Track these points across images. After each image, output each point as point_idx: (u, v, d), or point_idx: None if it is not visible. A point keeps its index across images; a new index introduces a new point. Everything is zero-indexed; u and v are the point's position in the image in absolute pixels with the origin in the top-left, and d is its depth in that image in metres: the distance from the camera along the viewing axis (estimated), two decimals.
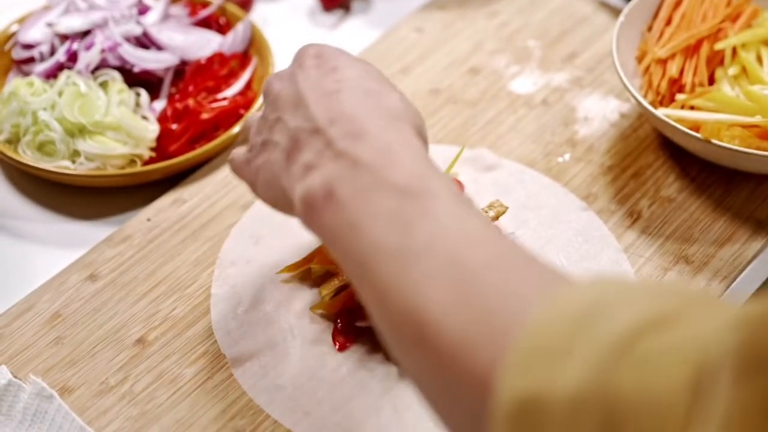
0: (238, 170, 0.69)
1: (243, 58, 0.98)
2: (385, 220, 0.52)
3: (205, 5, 1.02)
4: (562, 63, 0.98)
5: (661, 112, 0.82)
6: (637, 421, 0.39)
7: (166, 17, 0.99)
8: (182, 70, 0.96)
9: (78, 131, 0.87)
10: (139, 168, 0.87)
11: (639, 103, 0.83)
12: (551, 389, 0.41)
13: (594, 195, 0.85)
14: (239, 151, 0.69)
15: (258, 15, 1.07)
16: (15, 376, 0.73)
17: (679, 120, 0.81)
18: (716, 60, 0.88)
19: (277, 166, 0.62)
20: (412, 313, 0.49)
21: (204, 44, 0.98)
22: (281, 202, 0.63)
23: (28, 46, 0.96)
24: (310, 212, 0.57)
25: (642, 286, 0.47)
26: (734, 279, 0.79)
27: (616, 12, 1.02)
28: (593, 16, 1.03)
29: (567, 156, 0.89)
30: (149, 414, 0.71)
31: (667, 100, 0.86)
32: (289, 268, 0.79)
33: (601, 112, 0.93)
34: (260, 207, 0.84)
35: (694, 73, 0.86)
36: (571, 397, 0.41)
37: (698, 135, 0.80)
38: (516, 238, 0.79)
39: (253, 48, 0.99)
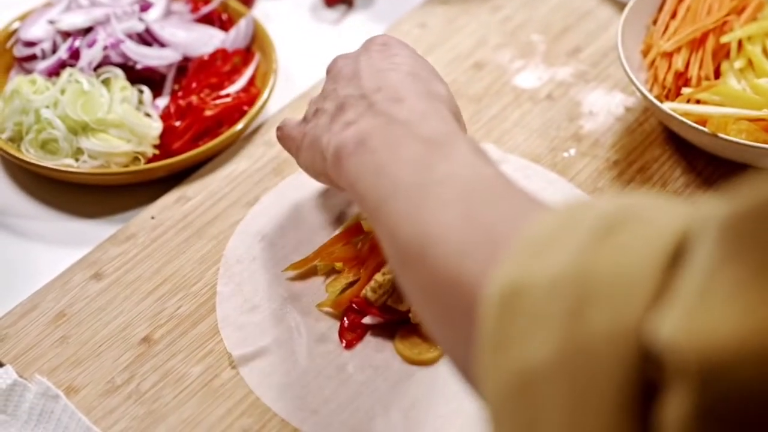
0: (285, 139, 0.76)
1: (246, 55, 0.98)
2: (408, 163, 0.57)
3: (207, 1, 1.02)
4: (567, 57, 0.98)
5: (667, 106, 0.81)
6: (605, 295, 0.39)
7: (168, 13, 0.99)
8: (185, 67, 0.96)
9: (81, 129, 0.86)
10: (142, 166, 0.87)
11: (645, 97, 0.83)
12: (533, 274, 0.43)
13: (600, 190, 0.85)
14: (289, 120, 0.76)
15: (260, 11, 1.07)
16: (20, 376, 0.73)
17: (686, 114, 0.81)
18: (722, 53, 0.87)
19: (320, 128, 0.68)
20: (419, 234, 0.53)
21: (206, 41, 0.97)
22: (318, 165, 0.68)
23: (30, 44, 0.95)
24: (338, 159, 0.62)
25: (619, 195, 0.48)
26: None
27: (620, 5, 1.01)
28: (597, 10, 1.03)
29: (572, 151, 0.89)
30: (156, 413, 0.71)
31: (672, 93, 0.86)
32: (295, 266, 0.79)
33: (606, 107, 0.93)
34: (265, 204, 0.84)
35: (700, 67, 0.86)
36: (550, 279, 0.42)
37: (705, 129, 0.79)
38: None
39: (256, 44, 0.98)
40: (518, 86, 0.95)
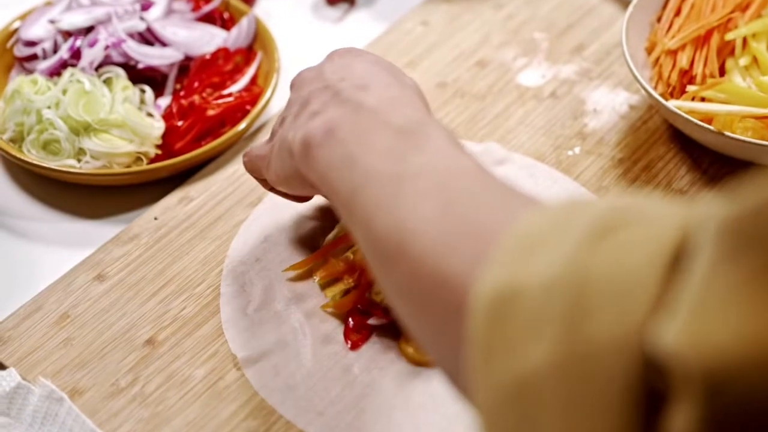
0: (253, 161, 0.74)
1: (248, 54, 0.97)
2: (380, 152, 0.55)
3: (208, 0, 1.01)
4: (570, 55, 0.98)
5: (672, 104, 0.81)
6: (605, 300, 0.38)
7: (169, 12, 0.98)
8: (186, 66, 0.95)
9: (83, 129, 0.86)
10: (145, 166, 0.86)
11: (650, 95, 0.82)
12: (525, 277, 0.41)
13: (605, 188, 0.85)
14: (254, 145, 0.74)
15: (261, 9, 1.06)
16: (24, 379, 0.72)
17: (691, 112, 0.81)
18: (727, 50, 0.87)
19: (286, 129, 0.65)
20: (395, 227, 0.50)
21: (208, 40, 0.97)
22: (287, 165, 0.65)
23: (31, 44, 0.95)
24: (306, 150, 0.60)
25: (614, 195, 0.46)
26: None
27: (623, 3, 1.01)
28: (600, 8, 1.02)
29: (577, 149, 0.88)
30: (160, 416, 0.71)
31: (677, 91, 0.85)
32: (296, 266, 0.78)
33: (610, 104, 0.92)
34: (268, 204, 0.84)
35: (705, 64, 0.85)
36: (544, 283, 0.40)
37: (711, 127, 0.79)
38: None
39: (258, 43, 0.98)
40: (522, 84, 0.95)
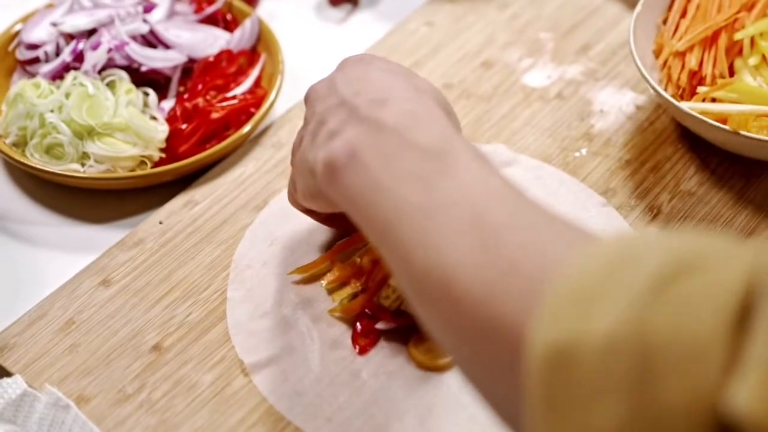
0: (290, 195, 0.74)
1: (251, 55, 0.96)
2: (408, 180, 0.53)
3: (211, 2, 1.00)
4: (576, 55, 0.97)
5: (686, 106, 0.80)
6: (674, 362, 0.38)
7: (171, 14, 0.98)
8: (190, 69, 0.95)
9: (86, 133, 0.85)
10: (149, 170, 0.86)
11: (659, 95, 0.82)
12: (584, 334, 0.40)
13: (613, 190, 0.84)
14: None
15: (264, 10, 1.05)
16: (30, 386, 0.72)
17: (704, 113, 0.80)
18: (735, 50, 0.86)
19: (305, 149, 0.64)
20: (436, 267, 0.48)
21: (211, 42, 0.96)
22: (311, 185, 0.64)
23: (33, 46, 0.94)
24: (331, 174, 0.57)
25: (671, 235, 0.45)
26: None
27: (627, 3, 1.00)
28: (604, 7, 1.02)
29: (584, 150, 0.88)
30: (168, 423, 0.70)
31: (687, 93, 0.85)
32: (301, 270, 0.78)
33: (616, 105, 0.92)
34: (274, 207, 0.83)
35: (714, 65, 0.85)
36: (604, 340, 0.39)
37: (726, 127, 0.78)
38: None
39: (262, 44, 0.97)
40: (527, 85, 0.94)
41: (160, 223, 0.83)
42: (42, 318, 0.76)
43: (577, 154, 0.87)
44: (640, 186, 0.84)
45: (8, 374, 0.73)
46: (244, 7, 1.00)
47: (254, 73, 0.94)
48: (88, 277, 0.79)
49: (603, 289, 0.41)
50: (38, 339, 0.75)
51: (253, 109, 0.90)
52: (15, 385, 0.71)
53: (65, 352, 0.74)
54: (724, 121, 0.79)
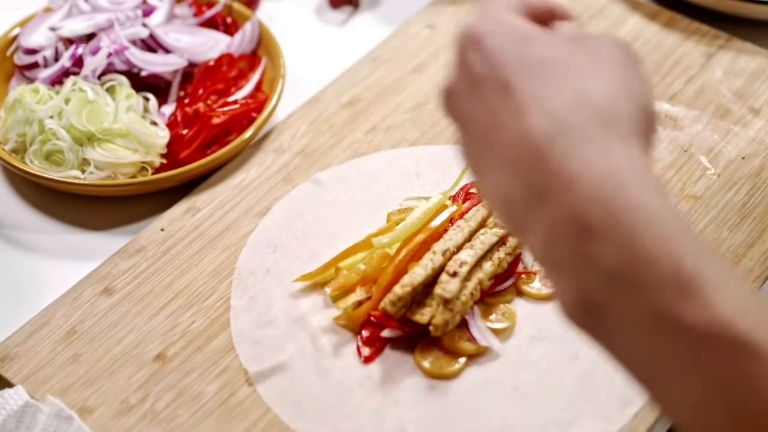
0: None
1: (252, 59, 0.95)
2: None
3: (211, 5, 0.99)
4: None
5: None
6: None
7: (171, 18, 0.97)
8: (190, 73, 0.94)
9: (86, 139, 0.84)
10: (150, 176, 0.85)
11: None
12: None
13: None
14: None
15: (264, 13, 1.05)
16: (32, 397, 0.71)
17: None
18: None
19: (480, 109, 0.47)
20: None
21: (212, 45, 0.95)
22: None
23: (31, 51, 0.93)
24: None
25: None
26: (767, 279, 0.77)
27: (631, 2, 1.00)
28: (609, 7, 1.01)
29: None
30: None
31: None
32: (305, 278, 0.77)
33: None
34: (277, 214, 0.82)
35: None
36: None
37: None
38: None
39: (262, 48, 0.96)
40: None
41: (162, 230, 0.82)
42: (43, 327, 0.76)
43: None
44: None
45: (10, 385, 0.72)
46: (244, 10, 0.99)
47: (255, 77, 0.93)
48: (90, 285, 0.78)
49: None
50: (40, 349, 0.74)
51: (254, 114, 0.90)
52: (17, 396, 0.70)
53: (67, 362, 0.73)
54: None
